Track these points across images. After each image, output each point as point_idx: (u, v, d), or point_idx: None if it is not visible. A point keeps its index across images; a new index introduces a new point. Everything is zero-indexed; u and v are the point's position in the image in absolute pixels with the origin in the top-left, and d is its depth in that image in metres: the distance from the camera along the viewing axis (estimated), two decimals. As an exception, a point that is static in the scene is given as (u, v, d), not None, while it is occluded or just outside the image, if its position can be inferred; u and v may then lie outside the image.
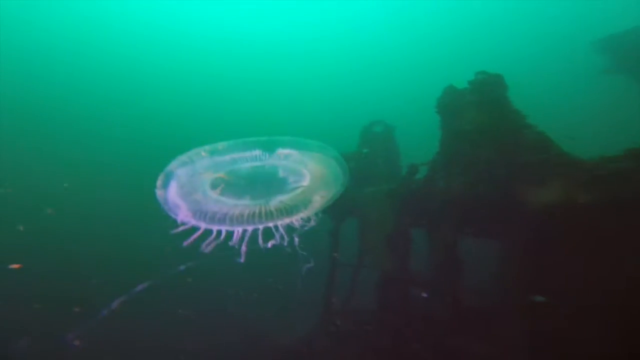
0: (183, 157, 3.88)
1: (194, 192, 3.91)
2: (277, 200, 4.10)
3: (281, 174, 4.43)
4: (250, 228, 3.87)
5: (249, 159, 4.03)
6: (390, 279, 7.76)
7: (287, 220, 4.01)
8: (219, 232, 3.85)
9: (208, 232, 3.90)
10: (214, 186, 4.12)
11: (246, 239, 3.88)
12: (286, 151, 4.11)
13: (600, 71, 11.50)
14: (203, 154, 3.86)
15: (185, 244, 3.78)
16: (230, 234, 3.88)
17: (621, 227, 4.28)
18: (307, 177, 4.39)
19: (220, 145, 3.96)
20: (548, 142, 6.18)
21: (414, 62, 44.62)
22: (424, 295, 5.31)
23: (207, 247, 3.77)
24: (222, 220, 3.79)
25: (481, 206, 6.01)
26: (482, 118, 6.98)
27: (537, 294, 4.62)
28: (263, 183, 4.28)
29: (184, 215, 3.77)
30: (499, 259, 5.60)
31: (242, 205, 4.00)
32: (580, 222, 4.61)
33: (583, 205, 4.60)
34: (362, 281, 8.88)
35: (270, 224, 3.94)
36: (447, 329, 5.90)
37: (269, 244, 3.98)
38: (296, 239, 4.12)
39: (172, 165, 3.89)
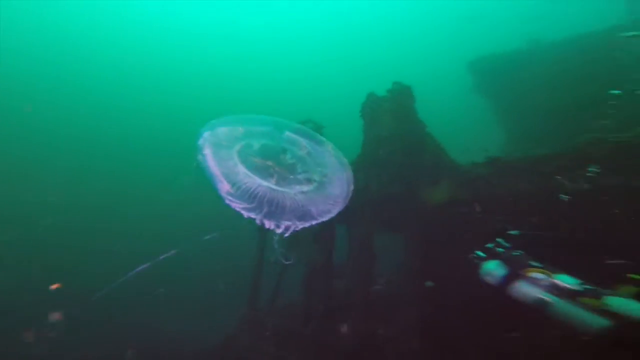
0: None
1: (228, 159, 3.85)
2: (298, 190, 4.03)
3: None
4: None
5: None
6: (317, 272, 8.26)
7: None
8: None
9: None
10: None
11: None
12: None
13: (469, 90, 12.97)
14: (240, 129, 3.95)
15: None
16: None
17: (485, 220, 5.24)
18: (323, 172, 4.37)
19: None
20: (441, 149, 7.17)
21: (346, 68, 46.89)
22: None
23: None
24: (252, 197, 3.64)
25: (393, 204, 6.77)
26: (396, 125, 7.79)
27: (429, 280, 5.38)
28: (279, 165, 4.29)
29: (221, 184, 3.64)
30: (403, 251, 6.40)
31: (266, 185, 3.84)
32: (458, 216, 5.52)
33: (461, 201, 5.54)
34: (289, 277, 9.26)
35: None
36: (361, 316, 6.57)
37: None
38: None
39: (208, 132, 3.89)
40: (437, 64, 38.68)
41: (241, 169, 3.88)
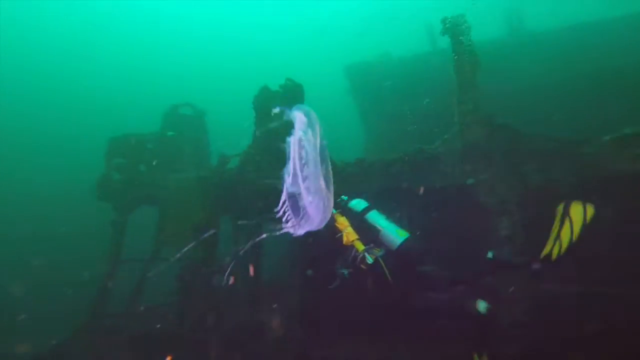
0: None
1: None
2: None
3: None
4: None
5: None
6: (196, 268, 7.84)
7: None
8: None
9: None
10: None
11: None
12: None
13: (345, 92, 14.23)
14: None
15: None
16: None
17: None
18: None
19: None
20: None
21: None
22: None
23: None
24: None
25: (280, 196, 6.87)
26: (287, 121, 7.94)
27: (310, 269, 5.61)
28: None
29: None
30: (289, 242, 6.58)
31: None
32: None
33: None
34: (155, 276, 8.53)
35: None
36: (248, 306, 6.54)
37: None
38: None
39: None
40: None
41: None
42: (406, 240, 4.37)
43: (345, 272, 4.48)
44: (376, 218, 4.61)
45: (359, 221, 4.61)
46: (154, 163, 8.95)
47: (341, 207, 4.77)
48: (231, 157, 8.19)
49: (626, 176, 4.86)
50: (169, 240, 8.62)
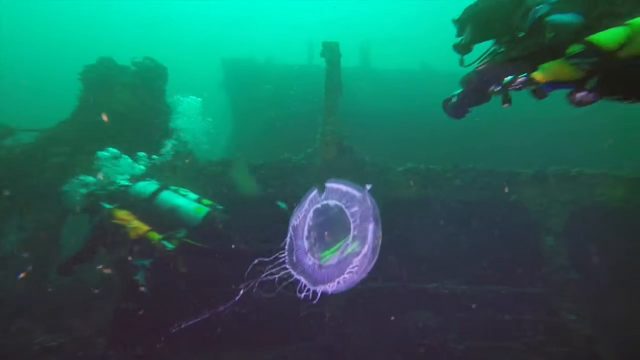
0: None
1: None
2: None
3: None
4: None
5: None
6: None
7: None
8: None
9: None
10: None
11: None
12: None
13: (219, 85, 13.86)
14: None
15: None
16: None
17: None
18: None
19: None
20: (184, 142, 7.15)
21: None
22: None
23: None
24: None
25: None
26: (135, 103, 7.01)
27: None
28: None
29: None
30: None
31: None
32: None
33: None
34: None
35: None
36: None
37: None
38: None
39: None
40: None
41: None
42: (207, 215, 4.17)
43: (146, 262, 4.12)
44: (169, 198, 4.29)
45: (150, 207, 4.24)
46: None
47: (121, 199, 4.34)
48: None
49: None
50: None
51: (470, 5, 2.59)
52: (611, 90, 2.20)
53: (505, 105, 2.37)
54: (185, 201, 4.28)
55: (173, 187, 4.51)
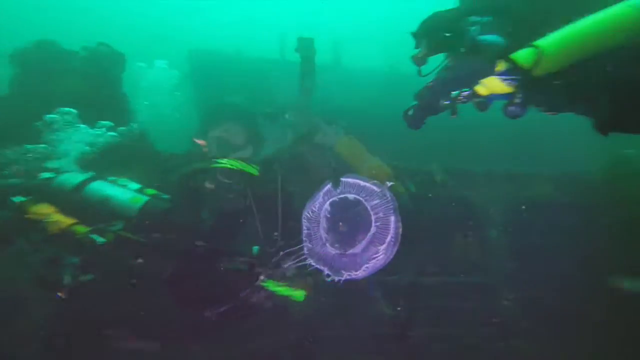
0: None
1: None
2: None
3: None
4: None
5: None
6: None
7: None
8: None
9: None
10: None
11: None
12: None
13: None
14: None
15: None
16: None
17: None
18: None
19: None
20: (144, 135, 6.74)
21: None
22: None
23: None
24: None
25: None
26: (83, 90, 6.47)
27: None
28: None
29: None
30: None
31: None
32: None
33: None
34: None
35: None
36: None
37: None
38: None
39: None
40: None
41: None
42: (145, 204, 3.81)
43: (75, 260, 3.70)
44: (100, 188, 3.95)
45: (77, 199, 3.91)
46: None
47: (37, 192, 4.02)
48: None
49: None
50: None
51: (425, 20, 2.82)
52: (536, 103, 2.56)
53: (453, 116, 2.71)
54: (121, 191, 3.92)
55: (110, 178, 4.17)
